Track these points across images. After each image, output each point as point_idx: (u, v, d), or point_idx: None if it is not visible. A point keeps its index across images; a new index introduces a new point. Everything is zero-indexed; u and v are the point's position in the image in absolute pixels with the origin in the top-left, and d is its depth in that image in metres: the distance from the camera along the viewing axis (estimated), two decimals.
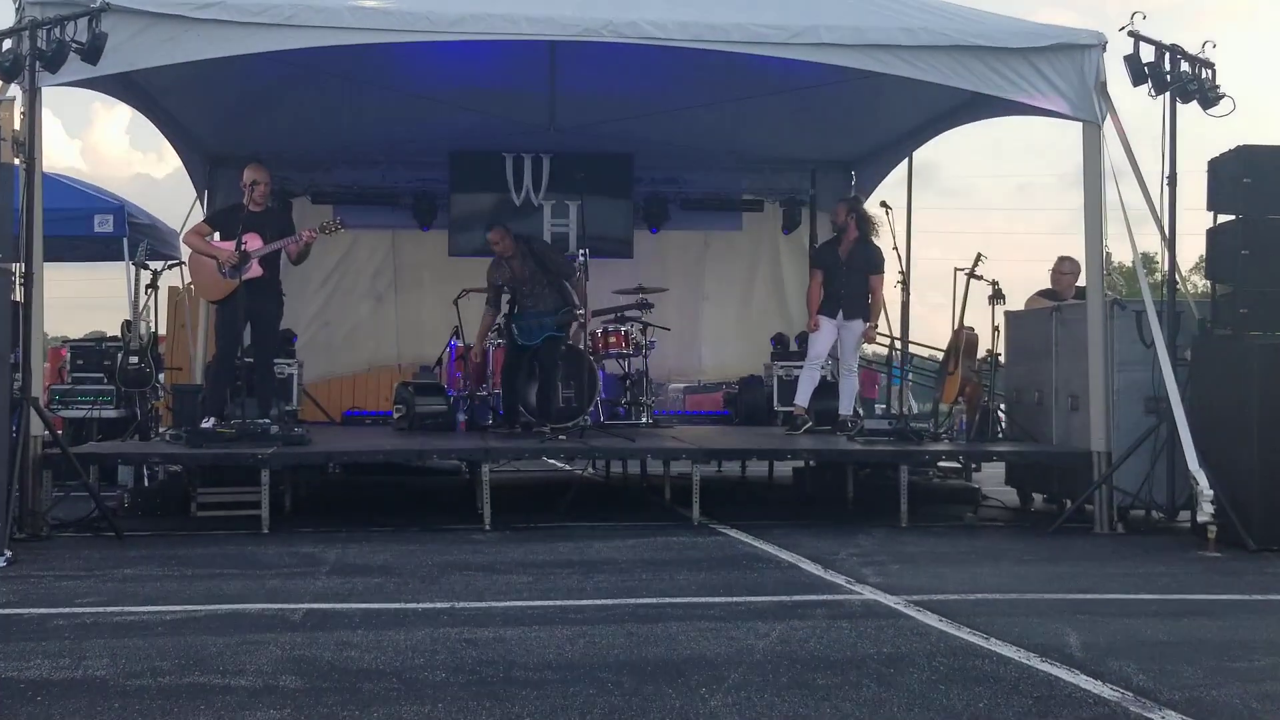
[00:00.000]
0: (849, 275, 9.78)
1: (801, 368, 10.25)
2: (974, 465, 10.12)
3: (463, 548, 7.05)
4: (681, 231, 13.11)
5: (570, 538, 7.44)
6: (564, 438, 8.84)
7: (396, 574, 6.14)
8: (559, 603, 5.40)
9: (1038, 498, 9.43)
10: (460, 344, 10.99)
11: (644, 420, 10.84)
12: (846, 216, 9.84)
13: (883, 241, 9.76)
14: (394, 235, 13.00)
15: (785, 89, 10.06)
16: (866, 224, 9.82)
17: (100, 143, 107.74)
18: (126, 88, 9.00)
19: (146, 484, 9.08)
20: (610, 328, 10.69)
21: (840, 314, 9.79)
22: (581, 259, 9.34)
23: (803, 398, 9.94)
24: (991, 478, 10.20)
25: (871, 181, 12.40)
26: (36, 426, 7.34)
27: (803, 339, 11.18)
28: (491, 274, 10.10)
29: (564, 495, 8.65)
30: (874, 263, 9.78)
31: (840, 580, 6.06)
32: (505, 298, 10.09)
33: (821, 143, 12.16)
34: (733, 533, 7.71)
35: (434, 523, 8.08)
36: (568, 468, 11.98)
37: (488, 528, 7.71)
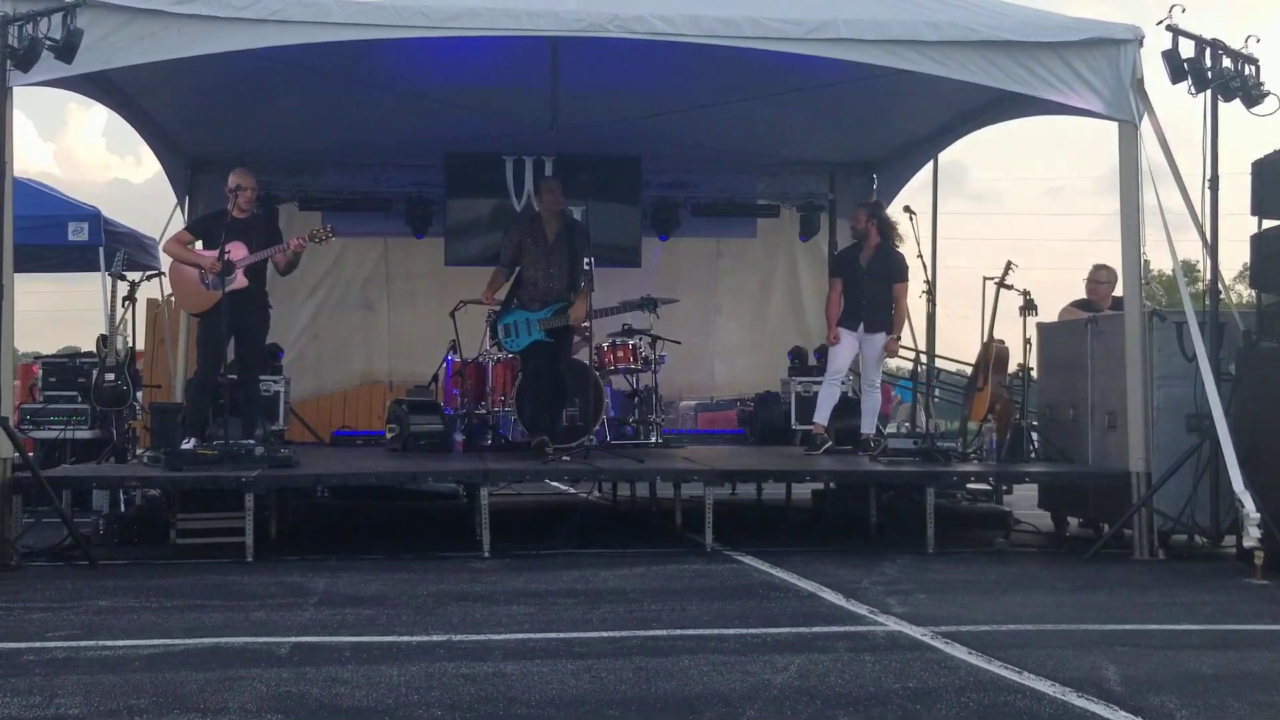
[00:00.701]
0: (870, 285, 9.78)
1: (820, 383, 10.25)
2: (1005, 487, 10.10)
3: (460, 576, 7.05)
4: (692, 239, 13.14)
5: (575, 565, 7.43)
6: (568, 458, 8.84)
7: (389, 605, 6.14)
8: (563, 635, 5.39)
9: (1073, 522, 9.41)
10: (457, 359, 11.01)
11: (653, 440, 10.84)
12: (867, 222, 9.86)
13: (906, 249, 9.78)
14: (386, 243, 13.04)
15: (802, 87, 10.08)
16: (889, 230, 9.83)
17: (75, 146, 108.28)
18: (103, 87, 9.04)
19: (123, 509, 9.08)
20: (617, 341, 10.71)
21: (861, 326, 9.79)
22: (586, 268, 9.31)
23: (822, 416, 9.94)
24: (1024, 500, 10.18)
25: (894, 185, 12.41)
26: (6, 448, 7.36)
27: (822, 353, 11.18)
28: (515, 231, 9.77)
29: (568, 520, 8.64)
30: (897, 271, 9.79)
31: (863, 610, 6.05)
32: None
33: (841, 144, 12.19)
34: (748, 560, 7.70)
35: (429, 550, 8.08)
36: (572, 491, 11.97)
37: (487, 555, 7.71)
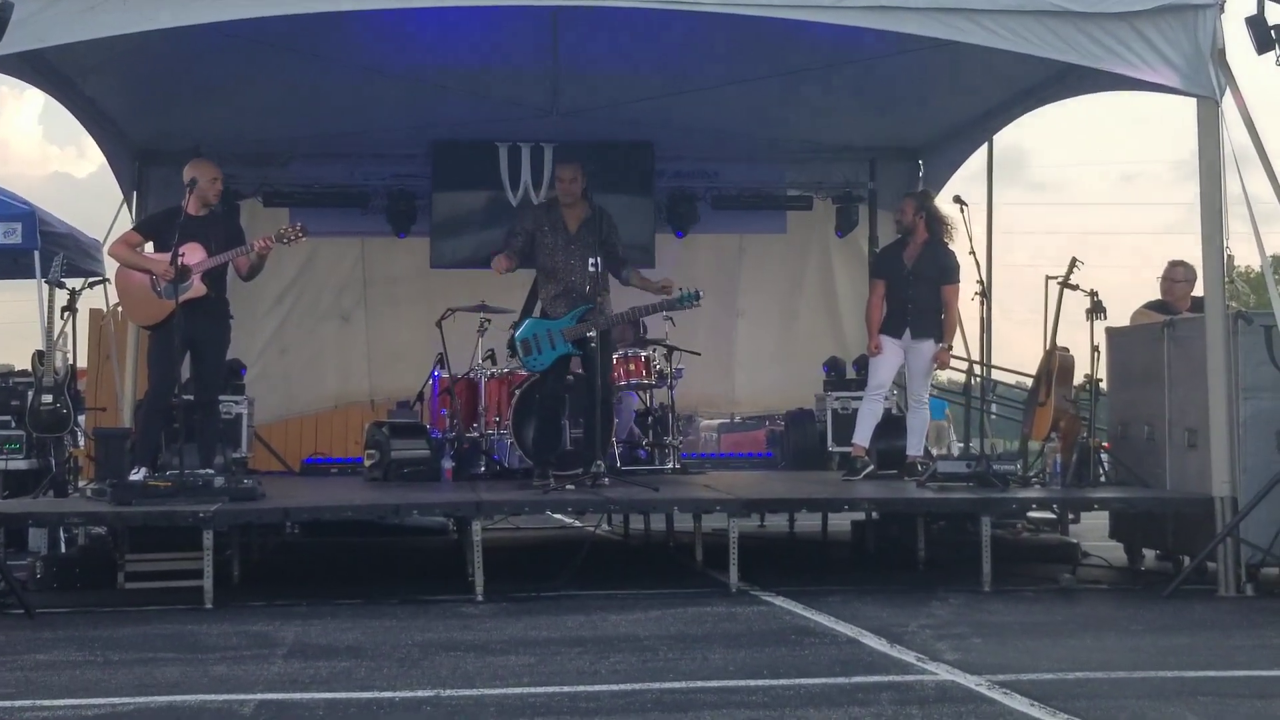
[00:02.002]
0: (917, 286, 9.79)
1: (861, 399, 10.26)
2: (1071, 515, 10.09)
3: (450, 623, 7.05)
4: (713, 235, 13.18)
5: (581, 609, 7.44)
6: (572, 487, 8.85)
7: (369, 656, 6.15)
8: (568, 689, 5.39)
9: (1149, 554, 9.39)
10: (445, 375, 11.04)
11: (670, 465, 10.86)
12: (915, 215, 9.88)
13: (958, 245, 9.79)
14: (364, 243, 13.10)
15: (838, 62, 10.11)
16: (938, 224, 9.85)
17: (8, 135, 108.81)
18: (38, 69, 9.08)
19: (63, 550, 9.13)
20: (628, 353, 10.71)
21: (907, 333, 9.81)
22: (593, 270, 9.28)
23: (863, 436, 9.94)
24: (1093, 530, 10.16)
25: (943, 172, 12.44)
26: None
27: (861, 364, 11.20)
28: (530, 220, 9.63)
29: (573, 558, 8.65)
30: (948, 271, 9.80)
31: (910, 658, 6.05)
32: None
33: (882, 126, 12.21)
34: (779, 601, 7.70)
35: (415, 593, 8.09)
36: (578, 524, 11.98)
37: (480, 598, 7.72)
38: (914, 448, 9.97)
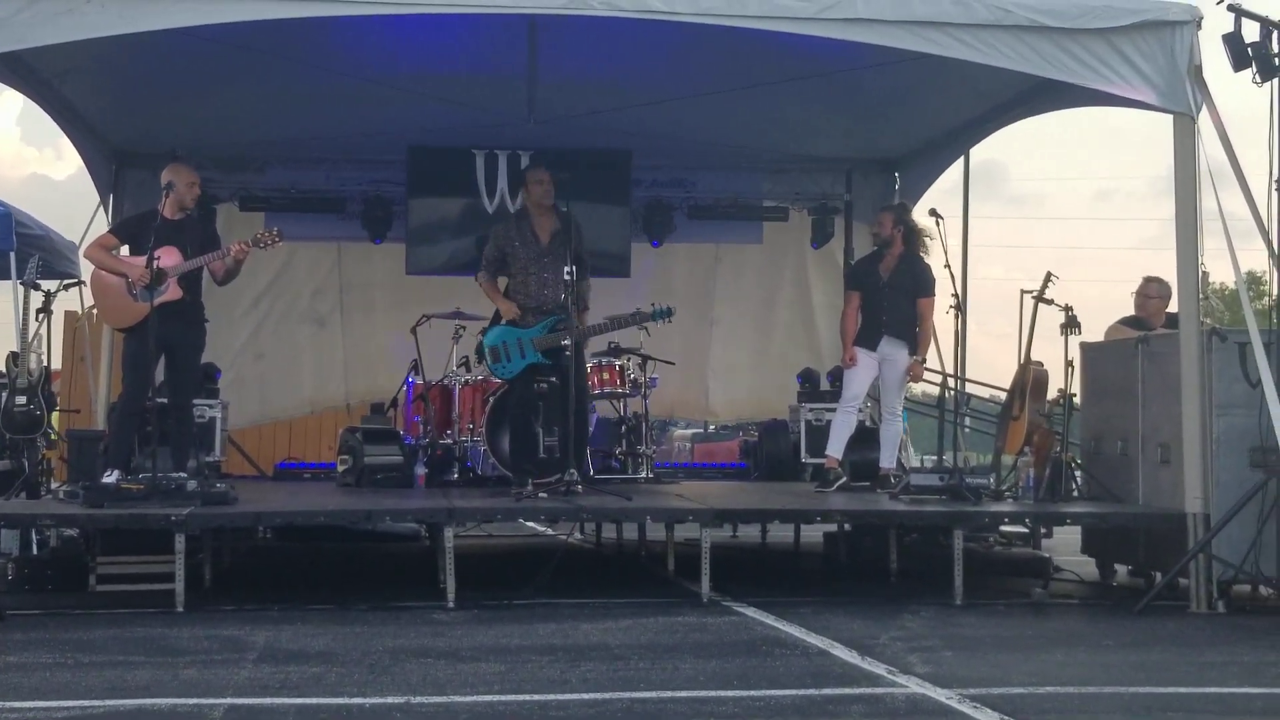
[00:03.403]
0: (893, 299, 9.82)
1: (834, 411, 10.27)
2: (1043, 530, 10.11)
3: (421, 630, 7.04)
4: (689, 244, 13.19)
5: (552, 617, 7.43)
6: (545, 495, 8.83)
7: (339, 662, 6.13)
8: (538, 697, 5.38)
9: (1120, 569, 9.42)
10: (419, 380, 11.02)
11: (643, 474, 10.86)
12: (893, 228, 9.91)
13: (933, 258, 9.81)
14: (340, 248, 13.06)
15: (815, 73, 10.12)
16: (915, 237, 9.88)
17: None
18: (15, 70, 9.05)
19: (35, 552, 9.06)
20: (602, 362, 10.71)
21: (882, 345, 9.82)
22: (568, 278, 9.25)
23: (836, 447, 9.96)
24: (1065, 544, 10.19)
25: (919, 185, 12.46)
26: None
27: (836, 376, 11.21)
28: (500, 237, 9.62)
29: (545, 565, 8.64)
30: (923, 284, 9.83)
31: (880, 670, 6.05)
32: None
33: (859, 138, 12.23)
34: (750, 611, 7.70)
35: (386, 599, 8.07)
36: (549, 531, 11.97)
37: (452, 605, 7.70)
38: (887, 460, 9.98)
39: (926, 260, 9.86)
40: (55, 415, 10.79)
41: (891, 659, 6.27)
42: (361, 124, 11.57)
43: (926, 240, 9.87)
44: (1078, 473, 9.64)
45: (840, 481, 9.83)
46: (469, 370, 10.95)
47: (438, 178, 12.35)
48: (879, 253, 10.02)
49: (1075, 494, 9.53)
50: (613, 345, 10.89)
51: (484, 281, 9.74)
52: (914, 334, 9.85)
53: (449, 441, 10.78)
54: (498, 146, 12.09)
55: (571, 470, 8.87)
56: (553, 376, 9.49)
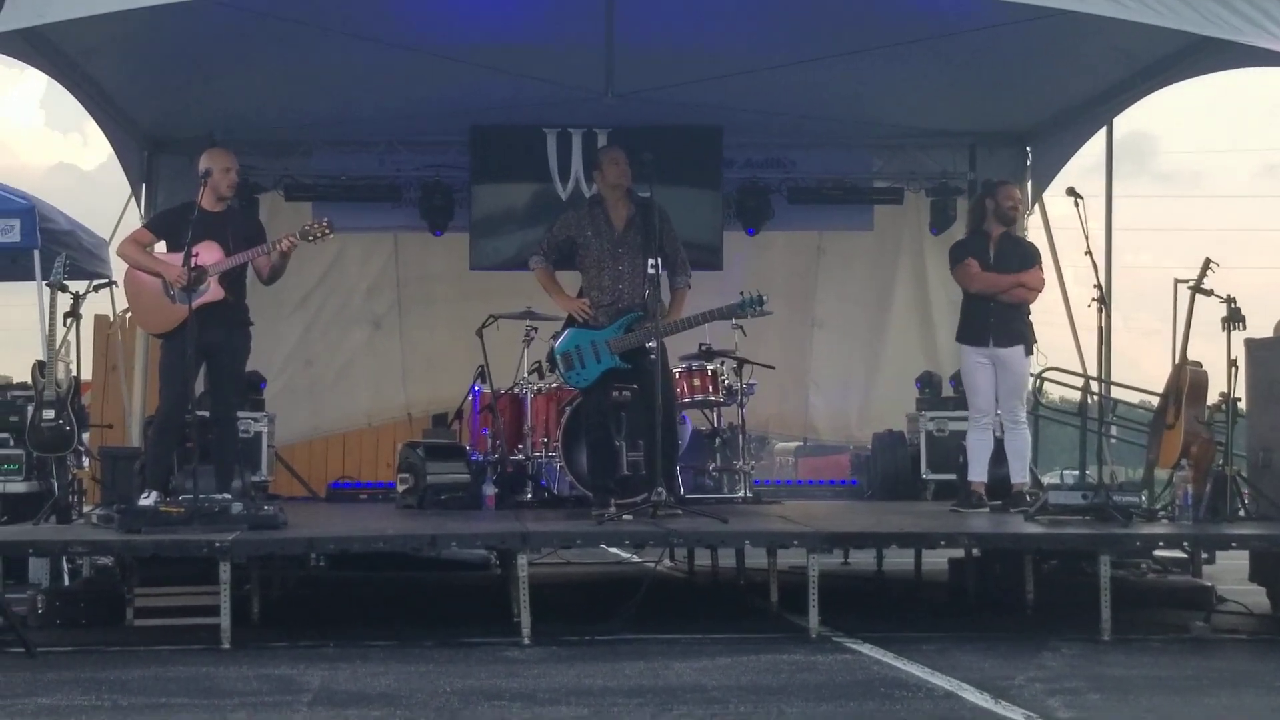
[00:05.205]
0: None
1: (958, 420, 10.20)
2: (1204, 555, 10.00)
3: (493, 669, 7.08)
4: (788, 232, 13.19)
5: (640, 655, 7.44)
6: (629, 517, 8.86)
7: (403, 705, 6.18)
8: None
9: None
10: (486, 389, 11.08)
11: (741, 493, 10.85)
12: (1019, 203, 9.95)
13: (1073, 245, 9.78)
14: (396, 240, 13.20)
15: (932, 36, 10.09)
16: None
17: (6, 121, 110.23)
18: (38, 48, 9.21)
19: (67, 583, 9.21)
20: (693, 366, 10.71)
21: (991, 341, 9.76)
22: (651, 272, 9.25)
23: (978, 470, 9.90)
24: (1230, 571, 10.07)
25: (1055, 160, 12.40)
26: None
27: (960, 379, 11.13)
28: (569, 224, 9.60)
29: (631, 597, 8.66)
30: (1029, 257, 9.88)
31: (1018, 715, 6.01)
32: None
33: (984, 109, 12.18)
34: (865, 648, 7.68)
35: (453, 634, 8.12)
36: (635, 558, 12.00)
37: (527, 641, 7.73)
38: (1018, 474, 9.90)
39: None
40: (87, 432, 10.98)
41: (1029, 703, 6.22)
42: (418, 102, 11.68)
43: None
44: (1244, 489, 9.52)
45: (983, 509, 9.76)
46: (542, 377, 10.98)
47: (504, 161, 12.42)
48: (982, 234, 9.94)
49: (1241, 513, 9.40)
50: (704, 347, 10.87)
51: (539, 268, 9.61)
52: (1029, 328, 9.80)
53: (521, 457, 10.83)
54: (571, 124, 12.15)
55: (659, 489, 8.88)
56: (634, 383, 9.52)
